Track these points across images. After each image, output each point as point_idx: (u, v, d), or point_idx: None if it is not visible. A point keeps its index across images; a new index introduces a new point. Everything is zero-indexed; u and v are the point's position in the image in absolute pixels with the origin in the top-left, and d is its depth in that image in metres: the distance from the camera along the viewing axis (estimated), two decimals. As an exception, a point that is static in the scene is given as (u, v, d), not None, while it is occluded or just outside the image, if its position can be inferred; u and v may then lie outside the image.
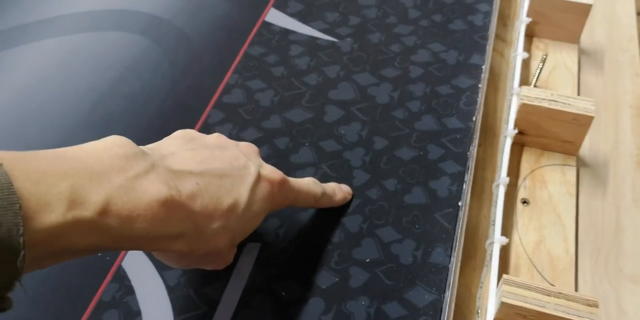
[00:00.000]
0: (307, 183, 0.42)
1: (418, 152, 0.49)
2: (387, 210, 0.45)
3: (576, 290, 0.44)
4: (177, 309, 0.40)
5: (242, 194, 0.35)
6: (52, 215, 0.26)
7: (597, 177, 0.51)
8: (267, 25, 0.60)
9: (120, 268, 0.42)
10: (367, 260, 0.42)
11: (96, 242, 0.29)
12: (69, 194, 0.27)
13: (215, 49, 0.58)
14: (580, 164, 0.52)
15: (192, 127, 0.50)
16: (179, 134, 0.38)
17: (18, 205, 0.25)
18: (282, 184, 0.38)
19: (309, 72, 0.56)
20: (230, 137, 0.50)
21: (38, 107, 0.52)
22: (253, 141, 0.50)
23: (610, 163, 0.52)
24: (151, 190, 0.30)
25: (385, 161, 0.49)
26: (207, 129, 0.50)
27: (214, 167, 0.35)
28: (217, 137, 0.39)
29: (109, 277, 0.41)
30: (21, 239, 0.24)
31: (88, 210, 0.28)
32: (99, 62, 0.55)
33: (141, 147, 0.34)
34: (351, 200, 0.46)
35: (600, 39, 0.63)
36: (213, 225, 0.34)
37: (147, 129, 0.50)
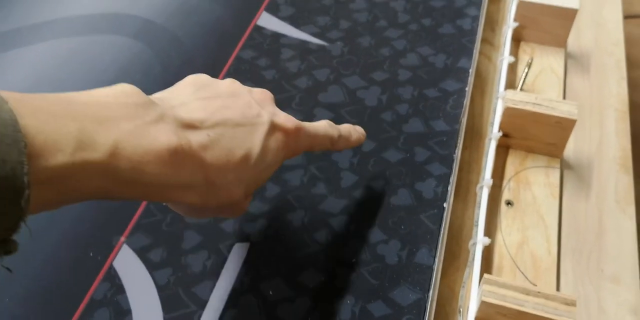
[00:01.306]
0: (324, 126, 0.41)
1: (405, 154, 0.50)
2: (373, 211, 0.46)
3: (558, 290, 0.45)
4: (167, 308, 0.41)
5: (255, 144, 0.34)
6: (59, 155, 0.25)
7: (581, 179, 0.52)
8: (259, 29, 0.61)
9: (111, 267, 0.42)
10: (353, 260, 0.43)
11: (104, 186, 0.28)
12: (77, 134, 0.26)
13: (207, 52, 0.59)
14: (565, 166, 0.53)
15: (183, 129, 0.51)
16: (190, 79, 0.36)
17: (23, 143, 0.24)
18: (297, 132, 0.37)
19: (300, 75, 0.57)
20: (221, 139, 0.51)
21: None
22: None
23: (594, 165, 0.53)
24: (161, 139, 0.29)
25: (372, 163, 0.50)
26: (198, 131, 0.51)
27: (225, 118, 0.34)
28: (230, 83, 0.37)
29: (100, 276, 0.42)
30: (25, 178, 0.24)
31: (97, 152, 0.27)
32: (93, 66, 0.56)
33: (152, 96, 0.33)
34: (339, 198, 0.47)
35: (586, 43, 0.64)
36: (225, 177, 0.33)
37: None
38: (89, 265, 0.42)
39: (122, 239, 0.44)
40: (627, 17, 0.71)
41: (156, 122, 0.30)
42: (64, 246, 0.43)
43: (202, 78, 0.37)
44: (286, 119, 0.37)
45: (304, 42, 0.60)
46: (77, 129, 0.26)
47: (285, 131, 0.36)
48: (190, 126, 0.32)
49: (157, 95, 0.34)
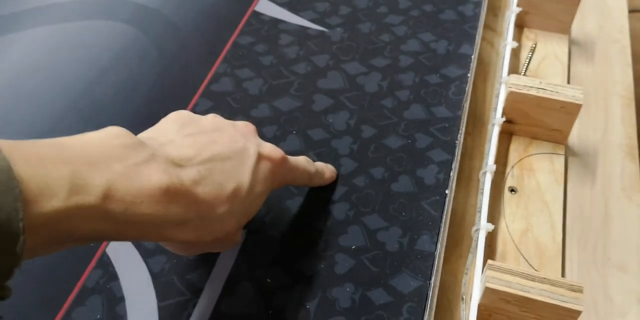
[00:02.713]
0: (303, 161, 0.42)
1: (406, 140, 0.49)
2: (373, 198, 0.45)
3: (563, 277, 0.44)
4: (161, 295, 0.40)
5: (244, 177, 0.35)
6: (53, 199, 0.26)
7: (586, 166, 0.51)
8: (257, 14, 0.60)
9: (104, 254, 0.41)
10: (353, 247, 0.42)
11: (99, 229, 0.28)
12: (70, 178, 0.26)
13: (204, 38, 0.57)
14: (569, 153, 0.52)
15: (179, 115, 0.50)
16: (174, 117, 0.37)
17: (18, 189, 0.24)
18: (283, 161, 0.38)
19: (298, 61, 0.56)
20: (218, 125, 0.50)
21: (25, 95, 0.51)
22: (240, 129, 0.50)
23: (599, 152, 0.52)
24: (152, 178, 0.30)
25: (373, 149, 0.48)
26: (194, 117, 0.50)
27: (214, 153, 0.34)
28: (213, 119, 0.38)
29: (93, 263, 0.41)
30: (21, 224, 0.24)
31: (90, 195, 0.27)
32: (87, 51, 0.55)
33: (139, 135, 0.33)
34: (335, 185, 0.46)
35: (590, 30, 0.63)
36: (217, 211, 0.33)
37: (134, 118, 0.50)
38: (81, 252, 0.41)
39: (116, 225, 0.43)
40: (631, 11, 0.69)
41: (147, 162, 0.30)
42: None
43: (185, 115, 0.37)
44: (272, 150, 0.38)
45: (302, 28, 0.59)
46: (69, 172, 0.27)
47: (273, 161, 0.37)
48: (180, 164, 0.32)
49: (145, 135, 0.34)
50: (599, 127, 0.54)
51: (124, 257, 0.41)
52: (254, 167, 0.36)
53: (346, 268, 0.41)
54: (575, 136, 0.53)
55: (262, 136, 0.49)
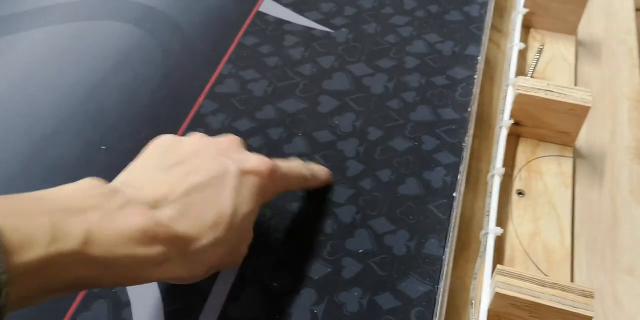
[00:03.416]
0: (297, 166, 0.42)
1: (412, 142, 0.49)
2: (380, 201, 0.45)
3: (572, 282, 0.43)
4: (167, 300, 0.39)
5: (225, 202, 0.35)
6: (36, 248, 0.26)
7: (594, 169, 0.51)
8: (261, 15, 0.60)
9: (109, 258, 0.41)
10: (360, 251, 0.42)
11: (82, 275, 0.29)
12: (50, 228, 0.27)
13: (209, 39, 0.57)
14: (577, 155, 0.51)
15: (184, 117, 0.50)
16: (152, 147, 0.37)
17: (0, 242, 0.25)
18: (272, 174, 0.37)
19: (303, 63, 0.55)
20: (223, 127, 0.49)
21: (29, 97, 0.51)
22: (246, 131, 0.49)
23: (607, 155, 0.52)
24: (129, 222, 0.30)
25: (379, 152, 0.48)
26: (199, 119, 0.50)
27: (191, 185, 0.34)
28: (193, 141, 0.37)
29: (97, 267, 0.40)
30: (4, 277, 0.24)
31: (71, 241, 0.28)
32: (92, 52, 0.55)
33: (115, 180, 0.35)
34: (341, 187, 0.45)
35: (597, 31, 0.63)
36: (201, 243, 0.33)
37: (139, 119, 0.50)
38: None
39: (121, 228, 0.42)
40: (638, 10, 0.69)
41: (122, 207, 0.31)
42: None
43: (165, 141, 0.37)
44: (258, 162, 0.37)
45: (307, 29, 0.58)
46: (49, 222, 0.28)
47: (259, 175, 0.37)
48: (156, 205, 0.33)
49: (121, 179, 0.35)
50: (606, 129, 0.54)
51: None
52: (236, 188, 0.35)
53: (353, 272, 0.41)
54: (582, 138, 0.53)
55: (268, 138, 0.49)
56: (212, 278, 0.40)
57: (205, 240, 0.33)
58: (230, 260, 0.36)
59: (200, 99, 0.51)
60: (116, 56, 0.54)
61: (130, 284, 0.36)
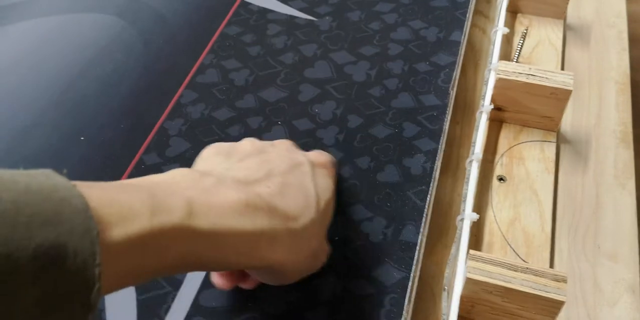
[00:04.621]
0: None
1: (393, 129, 0.48)
2: (358, 188, 0.45)
3: (551, 267, 0.43)
4: (140, 288, 0.39)
5: (309, 187, 0.35)
6: (136, 221, 0.25)
7: (578, 154, 0.50)
8: (245, 4, 0.59)
9: (84, 248, 0.41)
10: (336, 238, 0.42)
11: (186, 250, 0.27)
12: (151, 202, 0.26)
13: (192, 29, 0.57)
14: (562, 140, 0.51)
15: (164, 108, 0.50)
16: (212, 150, 0.37)
17: (96, 231, 0.23)
18: (333, 162, 0.41)
19: (286, 51, 0.55)
20: (203, 117, 0.49)
21: (10, 89, 0.51)
22: (225, 121, 0.49)
23: (592, 139, 0.51)
24: (229, 195, 0.30)
25: (359, 139, 0.48)
26: (179, 109, 0.50)
27: (271, 170, 0.35)
28: (250, 144, 0.38)
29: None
30: (97, 270, 0.22)
31: (174, 215, 0.27)
32: (72, 44, 0.55)
33: (196, 169, 0.34)
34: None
35: (587, 15, 0.62)
36: (300, 222, 0.33)
37: (119, 110, 0.50)
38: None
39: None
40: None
41: (218, 184, 0.31)
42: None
43: (221, 146, 0.38)
44: (318, 155, 0.40)
45: (291, 18, 0.58)
46: (149, 197, 0.26)
47: (324, 165, 0.39)
48: (247, 183, 0.33)
49: (200, 169, 0.35)
50: (592, 113, 0.53)
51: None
52: (314, 177, 0.36)
53: (328, 259, 0.40)
54: (568, 123, 0.52)
55: (247, 127, 0.49)
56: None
57: (302, 219, 0.33)
58: (317, 253, 0.36)
59: (181, 89, 0.51)
60: (97, 48, 0.54)
61: (236, 267, 0.34)
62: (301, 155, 0.38)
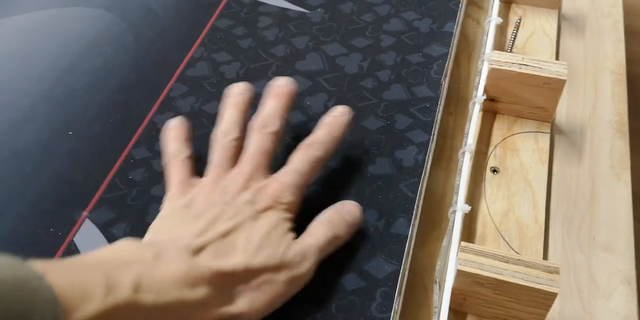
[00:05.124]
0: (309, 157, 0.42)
1: (385, 122, 0.48)
2: (350, 180, 0.44)
3: (545, 259, 0.42)
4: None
5: (255, 238, 0.36)
6: (93, 302, 0.28)
7: (573, 145, 0.49)
8: (236, -3, 0.59)
9: (72, 243, 0.41)
10: (327, 232, 0.41)
11: None
12: (103, 283, 0.29)
13: (183, 22, 0.56)
14: (556, 131, 0.50)
15: (154, 101, 0.49)
16: (169, 210, 0.39)
17: (62, 318, 0.26)
18: (291, 203, 0.39)
19: (277, 44, 0.54)
20: (193, 110, 0.49)
21: (-1, 84, 0.51)
22: (216, 114, 0.48)
23: (588, 130, 0.50)
24: (171, 268, 0.32)
25: (350, 131, 0.47)
26: (169, 103, 0.49)
27: (219, 231, 0.36)
28: (204, 198, 0.39)
29: (59, 252, 0.40)
30: None
31: (124, 291, 0.30)
32: (62, 38, 0.54)
33: (145, 239, 0.37)
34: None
35: (582, 5, 0.61)
36: (254, 274, 0.35)
37: (108, 104, 0.49)
38: (48, 241, 0.41)
39: (85, 213, 0.42)
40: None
41: (160, 258, 0.33)
42: (23, 222, 0.41)
43: (177, 204, 0.39)
44: (277, 189, 0.39)
45: (283, 10, 0.57)
46: (101, 277, 0.29)
47: (275, 207, 0.38)
48: (193, 250, 0.34)
49: (149, 238, 0.38)
50: (588, 104, 0.52)
51: (93, 246, 0.41)
52: (262, 226, 0.37)
53: (319, 253, 0.40)
54: (563, 114, 0.51)
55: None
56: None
57: (258, 270, 0.35)
58: (294, 283, 0.37)
59: (171, 83, 0.51)
60: (87, 42, 0.54)
61: None
62: (247, 204, 0.38)
